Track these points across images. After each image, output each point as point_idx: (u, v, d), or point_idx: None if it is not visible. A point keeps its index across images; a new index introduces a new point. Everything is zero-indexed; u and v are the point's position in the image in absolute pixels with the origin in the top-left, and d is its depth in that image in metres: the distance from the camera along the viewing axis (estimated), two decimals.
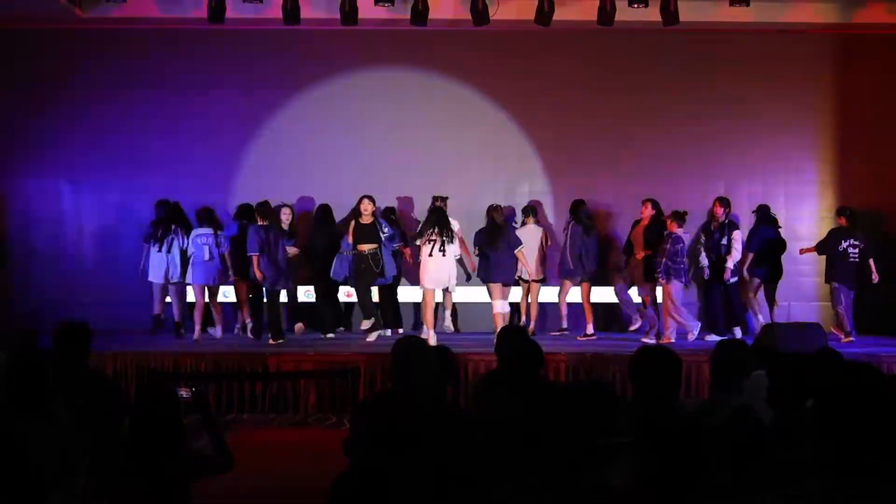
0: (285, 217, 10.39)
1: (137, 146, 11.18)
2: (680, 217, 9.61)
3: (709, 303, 10.36)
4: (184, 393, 3.98)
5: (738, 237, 10.02)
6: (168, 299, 10.38)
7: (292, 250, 10.16)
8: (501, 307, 9.68)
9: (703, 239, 10.17)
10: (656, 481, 2.86)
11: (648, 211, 10.00)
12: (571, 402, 3.20)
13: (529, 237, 10.19)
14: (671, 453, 2.88)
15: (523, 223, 10.49)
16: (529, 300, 10.47)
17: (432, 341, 8.48)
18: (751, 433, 3.35)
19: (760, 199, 10.80)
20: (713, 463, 3.06)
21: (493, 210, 9.88)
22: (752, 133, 11.24)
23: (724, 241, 9.98)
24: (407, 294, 10.88)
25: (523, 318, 10.50)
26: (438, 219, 9.36)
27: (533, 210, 10.51)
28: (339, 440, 4.12)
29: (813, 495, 2.65)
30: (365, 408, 4.16)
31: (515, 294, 10.47)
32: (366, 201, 9.60)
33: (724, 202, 10.17)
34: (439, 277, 9.30)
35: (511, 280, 9.97)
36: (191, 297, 10.28)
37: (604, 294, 10.56)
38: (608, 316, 11.06)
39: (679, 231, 9.56)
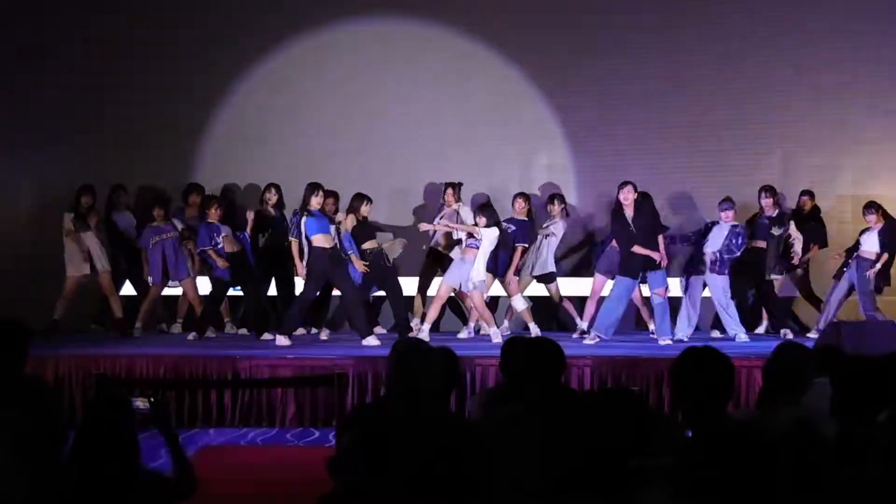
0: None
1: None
2: None
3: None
4: (140, 404, 3.98)
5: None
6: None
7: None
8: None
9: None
10: None
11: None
12: (595, 413, 3.17)
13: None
14: (719, 476, 2.85)
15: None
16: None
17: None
18: (811, 451, 3.32)
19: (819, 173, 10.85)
20: (767, 487, 3.03)
21: None
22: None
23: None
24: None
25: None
26: None
27: None
28: (322, 459, 4.11)
29: None
30: (354, 420, 4.17)
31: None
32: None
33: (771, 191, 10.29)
34: None
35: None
36: None
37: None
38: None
39: None
